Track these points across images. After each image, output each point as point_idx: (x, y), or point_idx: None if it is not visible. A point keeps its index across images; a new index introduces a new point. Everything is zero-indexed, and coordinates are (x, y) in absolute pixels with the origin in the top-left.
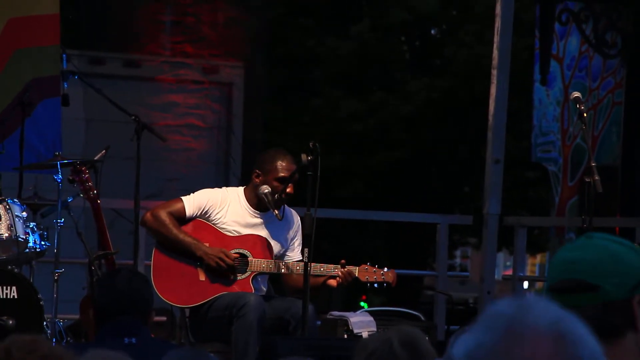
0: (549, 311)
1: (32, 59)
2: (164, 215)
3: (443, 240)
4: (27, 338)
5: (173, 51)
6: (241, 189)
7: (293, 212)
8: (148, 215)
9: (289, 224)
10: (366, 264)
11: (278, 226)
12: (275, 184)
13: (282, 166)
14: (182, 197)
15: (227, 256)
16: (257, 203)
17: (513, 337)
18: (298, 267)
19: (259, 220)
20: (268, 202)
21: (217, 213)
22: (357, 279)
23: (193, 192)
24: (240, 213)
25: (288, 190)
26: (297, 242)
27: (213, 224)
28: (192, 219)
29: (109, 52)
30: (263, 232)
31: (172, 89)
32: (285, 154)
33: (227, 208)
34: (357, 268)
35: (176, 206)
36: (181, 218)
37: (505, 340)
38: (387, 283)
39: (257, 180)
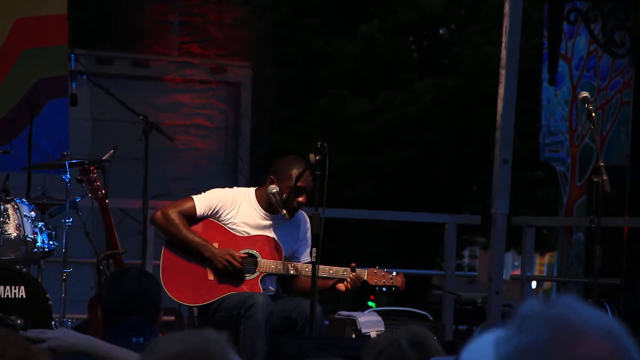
0: (595, 311)
1: (40, 59)
2: (174, 214)
3: (451, 240)
4: (2, 329)
5: (180, 51)
6: (252, 189)
7: (304, 214)
8: (158, 213)
9: (298, 227)
10: (375, 268)
11: (288, 229)
12: (289, 192)
13: (297, 176)
14: (193, 196)
15: (234, 259)
16: (268, 205)
17: (571, 336)
18: (307, 269)
19: (269, 222)
20: (276, 201)
21: (228, 213)
22: (365, 282)
23: (201, 192)
24: (250, 214)
25: (300, 199)
26: (307, 245)
27: (223, 224)
28: (202, 218)
29: (117, 52)
30: (273, 234)
31: (179, 89)
32: (302, 164)
33: (238, 209)
34: (366, 271)
35: (186, 205)
36: (191, 217)
37: (560, 340)
38: (396, 287)
39: (271, 186)
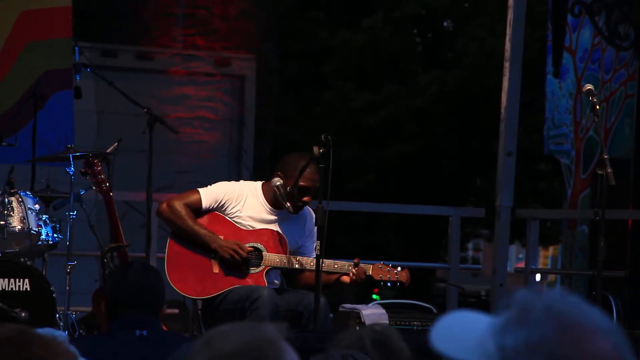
0: (592, 307)
1: (44, 52)
2: (179, 206)
3: (455, 233)
4: (49, 337)
5: (185, 44)
6: (259, 183)
7: (310, 210)
8: (164, 205)
9: (304, 222)
10: (380, 263)
11: (294, 224)
12: (295, 191)
13: (305, 176)
14: (199, 189)
15: (241, 249)
16: (274, 200)
17: (579, 332)
18: (312, 263)
19: (275, 217)
20: (280, 194)
21: (234, 207)
22: (370, 277)
23: (206, 185)
24: (256, 208)
25: (305, 199)
26: (313, 241)
27: (229, 217)
28: (208, 211)
29: (121, 45)
30: (278, 228)
31: (183, 81)
32: (312, 164)
33: (244, 202)
34: (371, 266)
35: (192, 198)
36: (197, 210)
37: (569, 336)
38: (401, 282)
39: (275, 179)
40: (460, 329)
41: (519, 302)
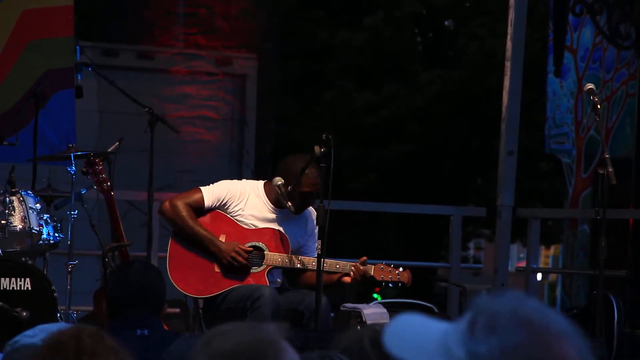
0: (553, 310)
1: (46, 51)
2: (181, 205)
3: (456, 232)
4: (92, 328)
5: (186, 43)
6: (261, 183)
7: (312, 210)
8: (166, 204)
9: (306, 222)
10: (382, 263)
11: (296, 223)
12: (294, 184)
13: (306, 180)
14: (202, 188)
15: (240, 254)
16: (276, 199)
17: (549, 337)
18: (313, 263)
19: (277, 216)
20: (281, 193)
21: (236, 205)
22: (372, 277)
23: (208, 184)
24: (258, 207)
25: (308, 202)
26: (315, 241)
27: (231, 216)
28: (210, 209)
29: (123, 44)
30: (280, 228)
31: (185, 80)
32: (312, 167)
33: (246, 201)
34: (373, 267)
35: (195, 197)
36: (199, 208)
37: (541, 341)
38: (402, 283)
39: (276, 178)
40: (414, 333)
41: (482, 307)
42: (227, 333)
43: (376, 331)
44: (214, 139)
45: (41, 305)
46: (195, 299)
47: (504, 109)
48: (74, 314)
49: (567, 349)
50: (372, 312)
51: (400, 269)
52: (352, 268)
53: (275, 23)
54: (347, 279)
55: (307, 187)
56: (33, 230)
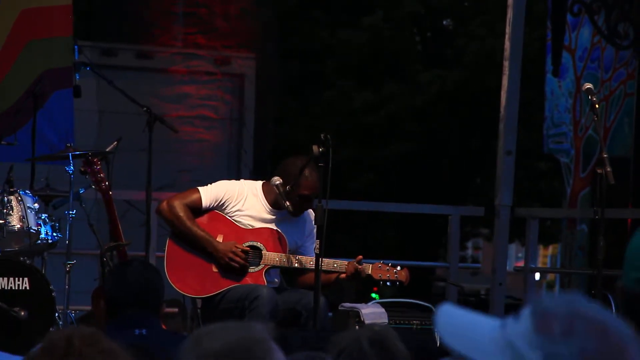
0: (620, 317)
1: (45, 51)
2: (179, 206)
3: (455, 232)
4: (88, 330)
5: (185, 42)
6: (259, 183)
7: (311, 211)
8: (164, 204)
9: (304, 223)
10: (380, 262)
11: (294, 224)
12: (292, 185)
13: (305, 183)
14: (199, 188)
15: (237, 254)
16: (275, 200)
17: (621, 343)
18: (311, 262)
19: (275, 217)
20: (279, 193)
21: (234, 205)
22: (370, 276)
23: (206, 184)
24: (256, 207)
25: (306, 204)
26: (313, 242)
27: (229, 216)
28: (208, 210)
29: (121, 44)
30: (278, 228)
31: (184, 80)
32: (312, 170)
33: (244, 201)
34: (371, 266)
35: (192, 197)
36: (197, 209)
37: (616, 348)
38: (400, 282)
39: (274, 178)
40: (466, 326)
41: (547, 309)
42: (216, 332)
43: (375, 331)
44: (213, 139)
45: (39, 304)
46: (194, 299)
47: (502, 109)
48: (72, 313)
49: (634, 353)
50: (371, 311)
51: (398, 268)
52: (348, 265)
53: (274, 23)
54: (343, 275)
55: (306, 189)
56: (31, 230)
